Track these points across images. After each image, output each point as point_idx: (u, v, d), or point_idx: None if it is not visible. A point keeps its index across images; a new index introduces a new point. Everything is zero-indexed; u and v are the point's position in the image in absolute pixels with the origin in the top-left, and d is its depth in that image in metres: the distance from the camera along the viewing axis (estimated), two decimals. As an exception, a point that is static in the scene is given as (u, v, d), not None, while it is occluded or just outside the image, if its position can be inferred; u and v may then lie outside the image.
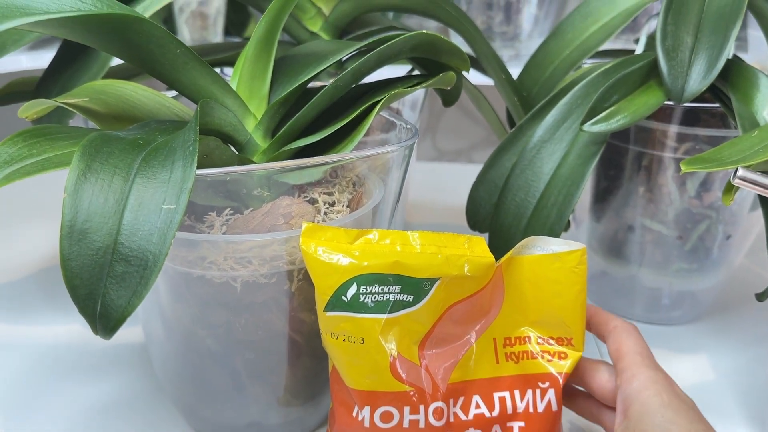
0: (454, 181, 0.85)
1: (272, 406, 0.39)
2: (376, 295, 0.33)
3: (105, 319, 0.27)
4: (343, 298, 0.33)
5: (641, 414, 0.34)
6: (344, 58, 0.46)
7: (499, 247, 0.45)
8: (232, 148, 0.38)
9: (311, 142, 0.37)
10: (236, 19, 0.87)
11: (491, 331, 0.37)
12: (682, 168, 0.37)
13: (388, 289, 0.33)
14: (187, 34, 0.82)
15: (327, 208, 0.37)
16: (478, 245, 0.35)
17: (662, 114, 0.47)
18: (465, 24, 0.50)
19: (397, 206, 0.40)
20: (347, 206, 0.38)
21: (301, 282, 0.36)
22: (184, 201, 0.28)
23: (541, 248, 0.36)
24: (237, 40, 0.85)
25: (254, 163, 0.37)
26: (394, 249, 0.34)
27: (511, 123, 0.56)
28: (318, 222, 0.36)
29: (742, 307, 0.58)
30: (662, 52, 0.42)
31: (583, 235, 0.56)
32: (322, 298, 0.33)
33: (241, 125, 0.37)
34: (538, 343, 0.37)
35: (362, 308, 0.33)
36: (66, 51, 0.46)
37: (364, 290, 0.33)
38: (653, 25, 0.54)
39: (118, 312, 0.27)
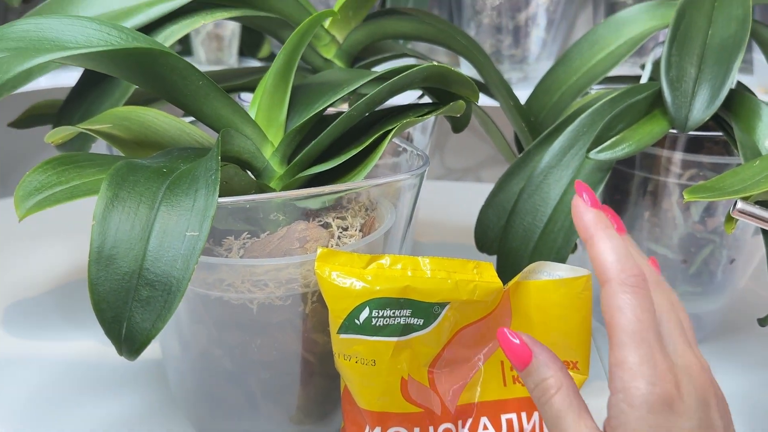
0: (461, 199, 0.87)
1: (285, 424, 0.41)
2: (388, 319, 0.34)
3: (130, 341, 0.28)
4: (356, 321, 0.34)
5: None
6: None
7: (506, 270, 0.46)
8: (250, 174, 0.39)
9: (326, 168, 0.38)
10: (250, 41, 0.89)
11: (499, 354, 0.38)
12: (685, 197, 0.38)
13: (400, 312, 0.35)
14: (202, 55, 0.84)
15: (340, 232, 0.39)
16: (487, 271, 0.36)
17: (667, 141, 0.48)
18: (475, 52, 0.51)
19: (407, 233, 0.42)
20: (360, 231, 0.39)
21: (315, 304, 0.37)
22: (207, 228, 0.29)
23: (547, 273, 0.37)
24: (254, 65, 0.87)
25: (271, 188, 0.39)
26: (406, 274, 0.35)
27: (519, 145, 0.58)
28: (332, 246, 0.38)
29: (747, 330, 0.58)
30: (666, 83, 0.43)
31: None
32: (335, 320, 0.34)
33: (259, 152, 0.38)
34: None
35: (374, 331, 0.34)
36: (88, 77, 0.48)
37: (377, 314, 0.34)
38: (658, 52, 0.55)
39: (143, 335, 0.28)
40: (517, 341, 0.32)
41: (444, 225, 0.79)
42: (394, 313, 0.34)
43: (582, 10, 0.96)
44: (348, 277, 0.34)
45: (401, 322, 0.34)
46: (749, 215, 0.32)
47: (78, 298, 0.60)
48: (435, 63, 0.39)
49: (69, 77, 0.78)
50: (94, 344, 0.53)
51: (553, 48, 0.84)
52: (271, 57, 0.90)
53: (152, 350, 0.51)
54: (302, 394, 0.40)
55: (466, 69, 0.84)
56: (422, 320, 0.35)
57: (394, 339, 0.34)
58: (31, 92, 0.74)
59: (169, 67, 0.34)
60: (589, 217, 0.32)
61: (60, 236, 0.71)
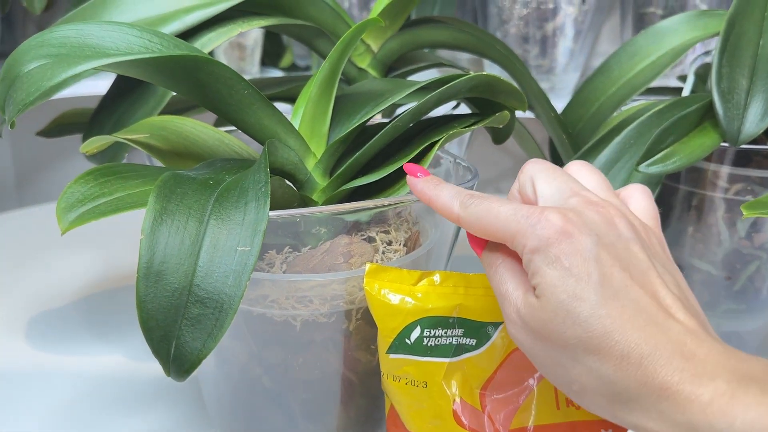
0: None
1: (324, 445, 0.39)
2: (440, 339, 0.33)
3: (179, 362, 0.27)
4: (407, 340, 0.33)
5: (544, 289, 0.27)
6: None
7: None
8: (293, 186, 0.38)
9: (369, 181, 0.37)
10: (272, 50, 0.88)
11: None
12: (744, 213, 0.37)
13: (452, 332, 0.33)
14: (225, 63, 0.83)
15: (385, 247, 0.37)
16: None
17: (714, 154, 0.47)
18: (513, 62, 0.50)
19: (453, 251, 0.40)
20: (404, 245, 0.38)
21: (359, 321, 0.36)
22: (259, 243, 0.28)
23: None
24: (276, 74, 0.86)
25: (314, 200, 0.38)
26: (458, 292, 0.34)
27: (554, 157, 0.56)
28: (377, 261, 0.36)
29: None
30: (718, 94, 0.42)
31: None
32: (385, 340, 0.33)
33: (302, 164, 0.37)
34: None
35: (425, 351, 0.33)
36: (120, 85, 0.47)
37: (428, 333, 0.33)
38: (699, 63, 0.54)
39: (192, 355, 0.27)
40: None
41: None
42: (446, 332, 0.33)
43: (607, 21, 0.94)
44: (398, 294, 0.33)
45: (453, 342, 0.33)
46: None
47: (103, 310, 0.59)
48: (484, 73, 0.37)
49: (95, 86, 0.78)
50: (121, 358, 0.52)
51: (580, 58, 0.83)
52: (292, 66, 0.90)
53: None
54: (343, 415, 0.38)
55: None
56: (475, 340, 0.33)
57: (446, 360, 0.33)
58: (57, 100, 0.73)
59: (213, 76, 0.33)
60: (421, 182, 0.33)
61: (84, 246, 0.70)
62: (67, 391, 0.48)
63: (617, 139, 0.44)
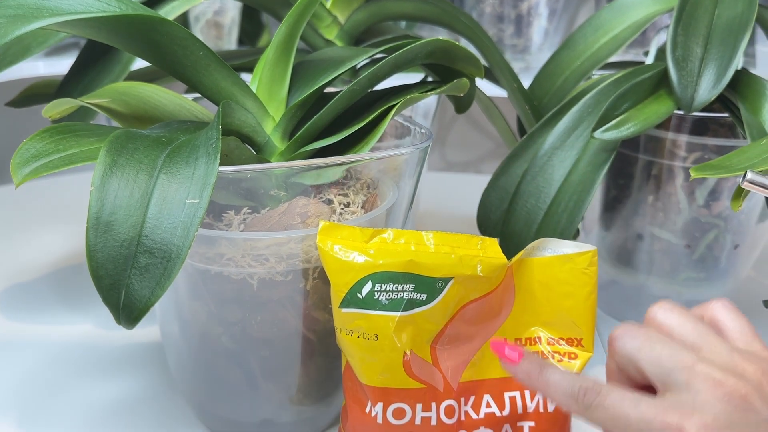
0: (462, 191, 0.86)
1: (285, 404, 0.40)
2: (391, 293, 0.34)
3: (128, 310, 0.28)
4: (358, 295, 0.34)
5: None
6: (359, 65, 0.47)
7: (509, 252, 0.45)
8: (251, 149, 0.38)
9: (328, 144, 0.38)
10: (250, 29, 0.88)
11: (502, 331, 0.37)
12: (692, 174, 0.38)
13: (402, 287, 0.34)
14: (201, 42, 0.84)
15: (342, 208, 0.38)
16: (491, 246, 0.36)
17: (672, 123, 0.48)
18: (479, 34, 0.50)
19: (409, 213, 0.41)
20: (362, 207, 0.39)
21: (316, 280, 0.37)
22: (207, 195, 0.29)
23: (551, 250, 0.37)
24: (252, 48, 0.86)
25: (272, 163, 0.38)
26: (409, 248, 0.34)
27: (522, 133, 0.57)
28: (334, 221, 0.37)
29: (750, 317, 0.58)
30: (672, 62, 0.43)
31: (592, 243, 0.57)
32: (337, 295, 0.34)
33: (260, 127, 0.37)
34: (548, 344, 0.37)
35: (377, 306, 0.34)
36: (88, 54, 0.48)
37: (379, 288, 0.34)
38: (662, 38, 0.55)
39: (141, 302, 0.28)
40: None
41: (445, 216, 0.79)
42: (397, 287, 0.34)
43: (582, 3, 0.95)
44: (350, 251, 0.34)
45: (404, 297, 0.34)
46: (759, 185, 0.32)
47: (74, 282, 0.60)
48: (440, 38, 0.38)
49: (70, 64, 0.78)
50: (91, 327, 0.53)
51: (555, 38, 0.83)
52: (271, 46, 0.90)
53: (150, 333, 0.51)
54: (303, 374, 0.39)
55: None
56: (425, 295, 0.34)
57: (397, 314, 0.34)
58: (33, 78, 0.74)
59: (169, 36, 0.33)
60: (524, 366, 0.30)
61: (54, 221, 0.71)
62: (38, 359, 0.49)
63: (575, 108, 0.45)
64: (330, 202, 0.38)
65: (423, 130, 0.41)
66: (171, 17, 0.44)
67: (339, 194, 0.38)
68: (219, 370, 0.39)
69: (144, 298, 0.28)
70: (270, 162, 0.38)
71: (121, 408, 0.44)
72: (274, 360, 0.38)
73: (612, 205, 0.54)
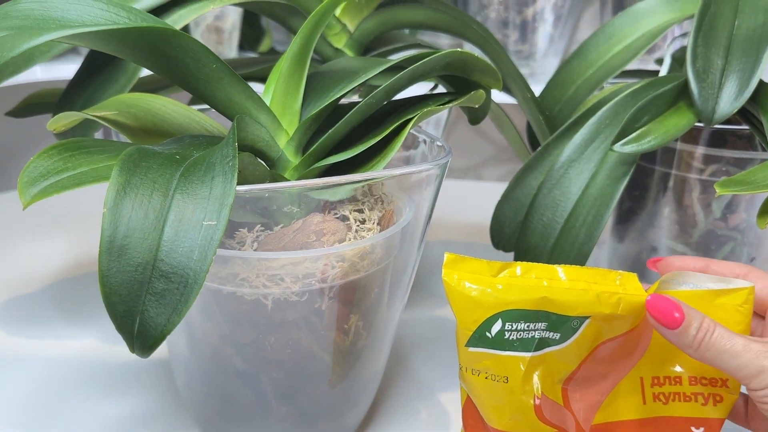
0: (466, 198, 0.85)
1: (297, 426, 0.39)
2: (522, 332, 0.32)
3: (143, 338, 0.27)
4: (487, 334, 0.32)
5: None
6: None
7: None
8: (264, 164, 0.37)
9: (343, 159, 0.37)
10: (250, 34, 0.87)
11: (638, 369, 0.35)
12: (717, 190, 0.37)
13: (534, 326, 0.32)
14: (202, 48, 0.82)
15: (358, 225, 0.37)
16: (630, 282, 0.34)
17: (689, 135, 0.47)
18: (491, 42, 0.49)
19: (427, 230, 0.40)
20: (378, 224, 0.38)
21: (332, 300, 0.36)
22: (225, 217, 0.27)
23: (692, 284, 0.34)
24: (254, 55, 0.85)
25: (286, 178, 0.37)
26: (541, 284, 0.32)
27: (532, 143, 0.56)
28: (350, 239, 0.36)
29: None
30: (693, 74, 0.42)
31: (605, 255, 0.56)
32: (464, 332, 0.32)
33: (274, 141, 0.36)
34: (690, 384, 0.34)
35: (507, 345, 0.32)
36: (91, 63, 0.46)
37: (510, 327, 0.32)
38: (677, 45, 0.54)
39: (156, 330, 0.26)
40: (668, 300, 0.32)
41: (450, 224, 0.78)
42: (528, 326, 0.32)
43: (588, 6, 0.94)
44: (478, 286, 0.32)
45: (536, 336, 0.32)
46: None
47: (77, 294, 0.58)
48: (458, 50, 0.37)
49: (68, 69, 0.76)
50: (95, 342, 0.51)
51: (560, 44, 0.83)
52: (271, 51, 0.89)
53: (158, 349, 0.50)
54: (317, 396, 0.38)
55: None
56: (559, 335, 0.32)
57: (528, 354, 0.32)
58: (30, 84, 0.72)
59: (181, 49, 0.32)
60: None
61: (58, 230, 0.69)
62: (40, 376, 0.48)
63: (593, 119, 0.44)
64: (345, 218, 0.37)
65: (441, 144, 0.40)
66: (179, 26, 0.42)
67: (354, 210, 0.37)
68: (230, 391, 0.38)
69: (160, 325, 0.26)
70: (284, 176, 0.37)
71: (126, 426, 0.43)
72: (288, 382, 0.37)
73: (626, 216, 0.53)
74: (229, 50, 0.84)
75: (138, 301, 0.27)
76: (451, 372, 0.48)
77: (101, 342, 0.52)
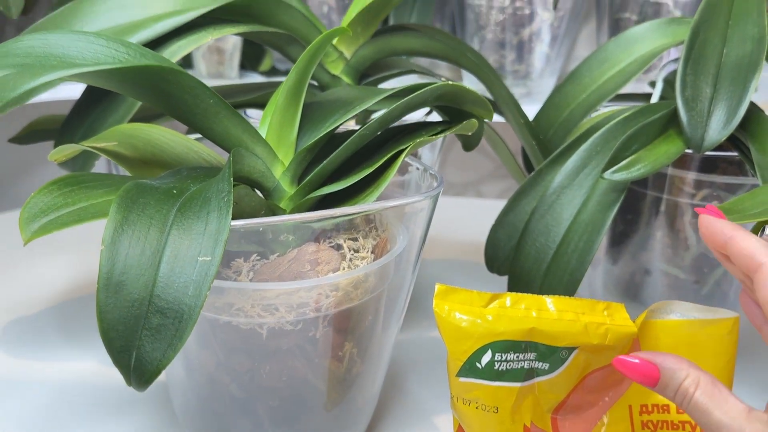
0: (463, 216, 0.86)
1: (293, 451, 0.39)
2: (511, 363, 0.33)
3: (139, 372, 0.27)
4: (477, 364, 0.32)
5: None
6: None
7: (519, 291, 0.45)
8: (260, 194, 0.38)
9: (337, 189, 0.37)
10: (251, 54, 0.88)
11: (626, 398, 0.35)
12: (705, 219, 0.38)
13: (524, 356, 0.33)
14: (203, 68, 0.83)
15: (352, 254, 0.38)
16: (618, 312, 0.34)
17: (680, 161, 0.47)
18: (484, 69, 0.50)
19: (420, 257, 0.41)
20: (372, 252, 0.38)
21: (326, 329, 0.36)
22: (220, 253, 0.28)
23: (680, 314, 0.35)
24: (256, 78, 0.86)
25: (281, 208, 0.38)
26: (530, 315, 0.33)
27: (527, 165, 0.57)
28: (344, 269, 0.37)
29: (757, 353, 0.57)
30: (682, 102, 0.43)
31: (599, 277, 0.57)
32: (455, 363, 0.33)
33: (270, 172, 0.37)
34: (678, 412, 0.35)
35: (496, 376, 0.33)
36: (91, 92, 0.47)
37: (499, 357, 0.32)
38: (669, 69, 0.55)
39: (152, 365, 0.27)
40: (638, 361, 0.30)
41: (448, 242, 0.78)
42: (518, 356, 0.33)
43: (584, 26, 0.95)
44: (469, 317, 0.33)
45: (525, 366, 0.33)
46: (779, 241, 0.32)
47: (77, 316, 0.59)
48: (449, 82, 0.38)
49: (70, 90, 0.77)
50: (94, 365, 0.52)
51: (556, 63, 0.83)
52: (272, 70, 0.90)
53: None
54: (312, 423, 0.39)
55: (469, 82, 0.84)
56: (548, 365, 0.33)
57: (518, 384, 0.33)
58: (31, 105, 0.73)
59: (179, 86, 0.33)
60: (720, 224, 0.32)
61: (60, 251, 0.70)
62: (39, 398, 0.48)
63: (584, 146, 0.45)
64: (339, 247, 0.38)
65: (432, 173, 0.41)
66: (177, 57, 0.43)
67: (349, 239, 0.38)
68: (226, 418, 0.39)
69: (155, 360, 0.27)
70: (279, 206, 0.38)
71: (126, 452, 0.44)
72: (283, 409, 0.38)
73: (619, 239, 0.53)
74: (230, 70, 0.85)
75: (134, 336, 0.27)
76: (446, 394, 0.48)
77: (101, 364, 0.52)
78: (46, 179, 0.32)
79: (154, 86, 0.33)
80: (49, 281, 0.65)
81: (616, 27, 0.82)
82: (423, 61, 0.87)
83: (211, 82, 0.84)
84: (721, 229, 0.31)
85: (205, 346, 0.37)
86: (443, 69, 0.92)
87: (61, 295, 0.62)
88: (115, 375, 0.51)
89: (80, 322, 0.58)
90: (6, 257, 0.69)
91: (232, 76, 0.84)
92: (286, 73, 0.90)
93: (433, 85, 0.37)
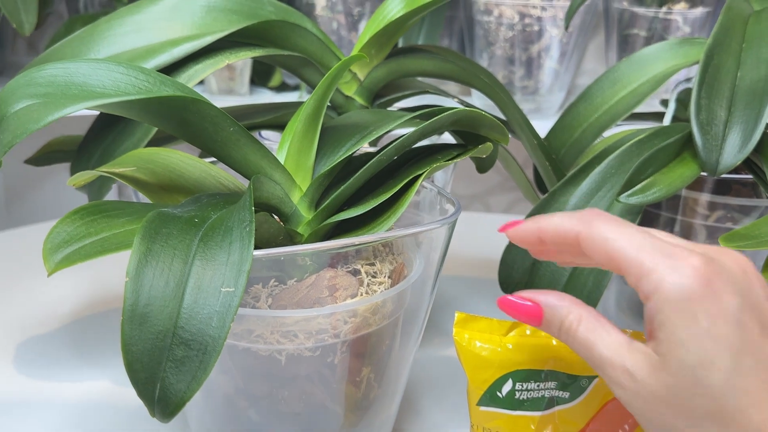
0: (473, 230, 0.86)
1: (310, 475, 0.39)
2: (532, 392, 0.33)
3: (163, 404, 0.27)
4: (498, 393, 0.33)
5: (670, 346, 0.25)
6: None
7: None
8: (278, 219, 0.38)
9: (355, 215, 0.38)
10: (261, 70, 0.88)
11: None
12: (721, 243, 0.38)
13: (544, 385, 0.33)
14: (214, 84, 0.84)
15: (369, 279, 0.38)
16: (639, 339, 0.34)
17: (694, 182, 0.47)
18: (498, 91, 0.51)
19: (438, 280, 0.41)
20: (389, 277, 0.38)
21: (344, 354, 0.37)
22: (243, 284, 0.28)
23: None
24: (266, 94, 0.86)
25: (299, 233, 0.38)
26: (550, 343, 0.33)
27: (539, 183, 0.57)
28: (362, 294, 0.37)
29: None
30: (696, 126, 0.43)
31: (612, 296, 0.57)
32: (475, 392, 0.33)
33: (288, 197, 0.37)
34: None
35: (517, 405, 0.33)
36: (108, 114, 0.48)
37: (520, 387, 0.33)
38: (680, 89, 0.55)
39: (177, 396, 0.27)
40: (521, 301, 0.30)
41: (458, 258, 0.78)
42: (538, 386, 0.33)
43: (592, 39, 0.96)
44: (489, 345, 0.33)
45: (545, 395, 0.33)
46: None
47: (91, 334, 0.59)
48: (466, 108, 0.38)
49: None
50: (109, 384, 0.52)
51: (565, 78, 0.84)
52: (282, 86, 0.90)
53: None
54: (329, 446, 0.39)
55: (478, 100, 0.84)
56: (568, 393, 0.33)
57: (538, 414, 0.33)
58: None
59: (200, 115, 0.33)
60: (523, 226, 0.31)
61: (71, 268, 0.70)
62: (53, 419, 0.48)
63: (598, 169, 0.45)
64: (357, 272, 0.38)
65: (449, 197, 0.41)
66: (194, 81, 0.44)
67: (366, 264, 0.38)
68: (244, 442, 0.39)
69: (180, 392, 0.27)
70: (297, 231, 0.38)
71: (141, 474, 0.44)
72: (301, 433, 0.38)
73: (632, 259, 0.53)
74: (241, 86, 0.85)
75: (159, 368, 0.27)
76: (462, 416, 0.48)
77: (116, 384, 0.52)
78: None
79: (176, 115, 0.33)
80: (62, 298, 0.65)
81: (625, 43, 0.83)
82: (433, 81, 0.87)
83: (221, 99, 0.85)
84: (527, 228, 0.31)
85: (224, 371, 0.37)
86: (451, 85, 0.92)
87: (74, 313, 0.63)
88: (130, 395, 0.51)
89: (94, 340, 0.58)
90: (19, 273, 0.69)
91: (243, 92, 0.85)
92: (295, 88, 0.91)
93: (449, 111, 0.38)
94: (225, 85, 0.84)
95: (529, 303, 0.29)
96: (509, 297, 0.30)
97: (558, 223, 0.29)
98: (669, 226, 0.50)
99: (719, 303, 0.24)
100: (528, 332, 0.34)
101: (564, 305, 0.29)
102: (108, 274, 0.69)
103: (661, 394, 0.25)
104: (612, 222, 0.28)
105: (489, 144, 0.42)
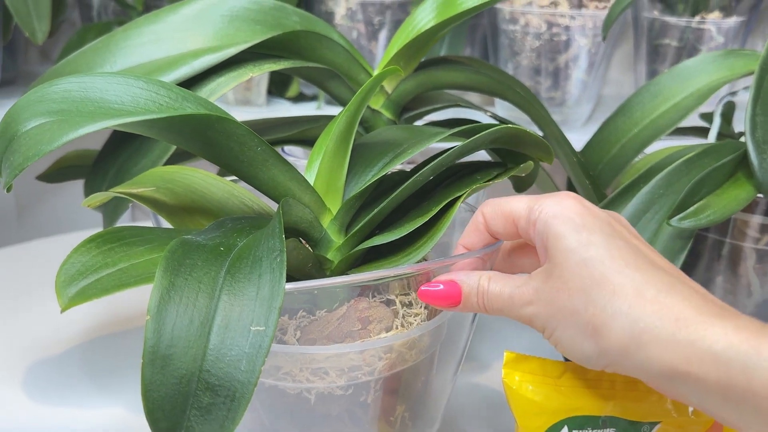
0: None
1: None
2: None
3: (187, 456, 0.25)
4: None
5: (557, 245, 0.29)
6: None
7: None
8: (306, 244, 0.36)
9: (388, 241, 0.35)
10: (278, 80, 0.86)
11: None
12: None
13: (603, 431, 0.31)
14: (231, 95, 0.82)
15: (404, 310, 0.35)
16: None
17: (745, 203, 0.45)
18: (535, 105, 0.48)
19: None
20: (425, 308, 0.36)
21: (378, 392, 0.34)
22: (274, 322, 0.26)
23: None
24: (283, 104, 0.84)
25: (329, 259, 0.35)
26: (606, 386, 0.31)
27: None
28: (397, 327, 0.34)
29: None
30: (752, 145, 0.40)
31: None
32: None
33: (317, 221, 0.35)
34: None
35: None
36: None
37: None
38: (725, 102, 0.52)
39: (202, 448, 0.25)
40: (440, 286, 0.32)
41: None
42: None
43: (618, 48, 0.93)
44: (542, 389, 0.30)
45: None
46: None
47: (103, 357, 0.57)
48: (509, 125, 0.35)
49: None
50: (123, 412, 0.50)
51: (593, 89, 0.81)
52: (300, 96, 0.88)
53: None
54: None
55: (502, 111, 0.81)
56: None
57: None
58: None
59: (225, 134, 0.31)
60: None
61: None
62: (64, 450, 0.46)
63: (645, 189, 0.42)
64: (391, 302, 0.35)
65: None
66: (216, 96, 0.41)
67: (401, 294, 0.35)
68: (268, 483, 0.36)
69: (206, 444, 0.25)
70: (327, 257, 0.35)
71: None
72: (330, 475, 0.35)
73: (675, 283, 0.50)
74: (258, 96, 0.83)
75: (183, 416, 0.25)
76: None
77: (129, 411, 0.50)
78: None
79: (199, 134, 0.31)
80: (73, 318, 0.62)
81: (655, 53, 0.80)
82: (455, 90, 0.84)
83: (238, 109, 0.82)
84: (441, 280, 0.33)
85: (250, 410, 0.34)
86: (473, 96, 0.89)
87: (87, 332, 0.60)
88: (143, 423, 0.48)
89: (106, 363, 0.55)
90: (29, 289, 0.67)
91: (260, 103, 0.83)
92: (313, 98, 0.89)
93: (491, 129, 0.35)
94: (242, 96, 0.82)
95: (444, 285, 0.32)
96: (426, 287, 0.32)
97: (507, 210, 0.33)
98: (717, 249, 0.47)
99: (592, 213, 0.30)
100: (583, 374, 0.31)
101: (475, 273, 0.32)
102: (119, 294, 0.67)
103: (557, 286, 0.28)
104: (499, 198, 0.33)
105: (531, 163, 0.39)
